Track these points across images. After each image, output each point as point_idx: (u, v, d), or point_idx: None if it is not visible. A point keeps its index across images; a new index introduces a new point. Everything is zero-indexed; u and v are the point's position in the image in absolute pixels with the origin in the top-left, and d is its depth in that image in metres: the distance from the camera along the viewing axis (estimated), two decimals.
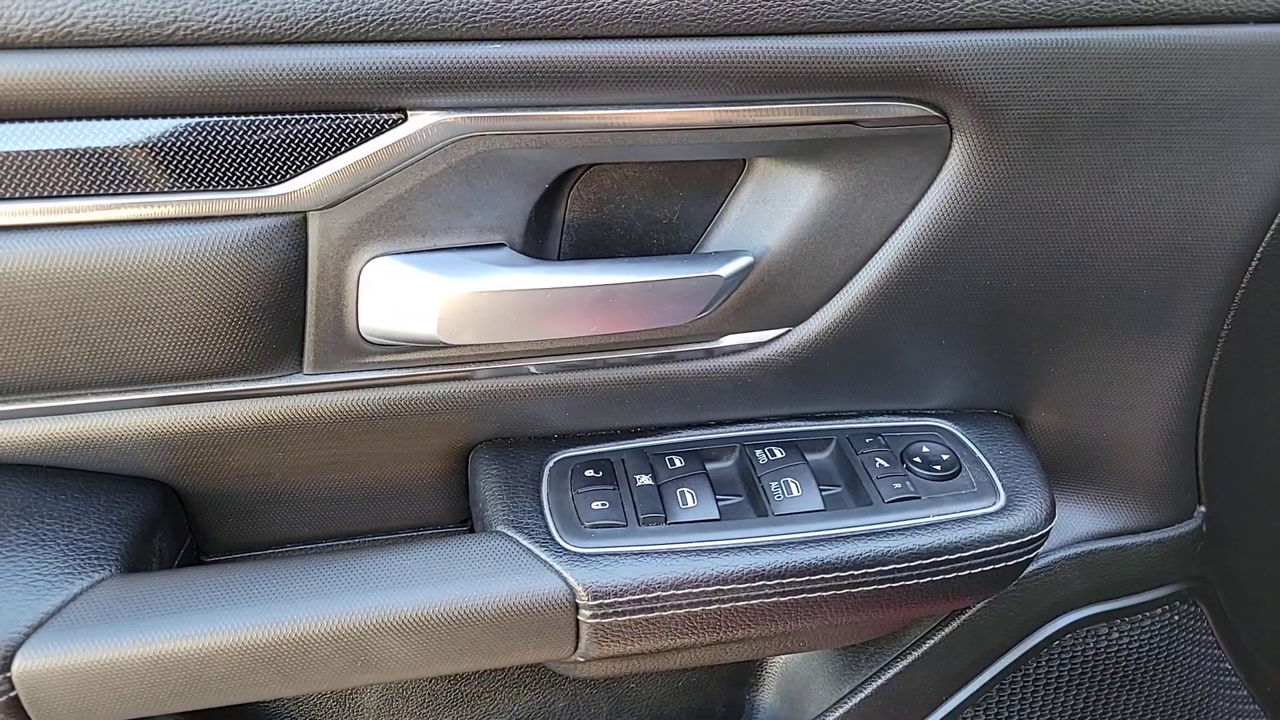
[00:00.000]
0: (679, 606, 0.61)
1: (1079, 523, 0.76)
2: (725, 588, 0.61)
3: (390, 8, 0.50)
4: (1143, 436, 0.74)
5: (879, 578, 0.63)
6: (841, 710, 0.78)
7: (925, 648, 0.76)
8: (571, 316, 0.60)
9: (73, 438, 0.60)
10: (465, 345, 0.62)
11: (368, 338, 0.61)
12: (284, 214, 0.56)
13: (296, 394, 0.63)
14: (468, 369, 0.64)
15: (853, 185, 0.61)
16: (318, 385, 0.63)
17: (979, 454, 0.70)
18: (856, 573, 0.62)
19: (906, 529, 0.64)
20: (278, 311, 0.59)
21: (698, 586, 0.61)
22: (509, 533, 0.63)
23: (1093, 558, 0.76)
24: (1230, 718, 0.86)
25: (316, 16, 0.50)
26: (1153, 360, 0.70)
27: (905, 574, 0.64)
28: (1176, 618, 0.81)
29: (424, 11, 0.50)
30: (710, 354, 0.67)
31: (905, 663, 0.76)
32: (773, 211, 0.63)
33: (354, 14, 0.50)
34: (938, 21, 0.54)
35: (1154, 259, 0.65)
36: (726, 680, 0.84)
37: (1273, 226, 0.65)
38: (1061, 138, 0.59)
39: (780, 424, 0.72)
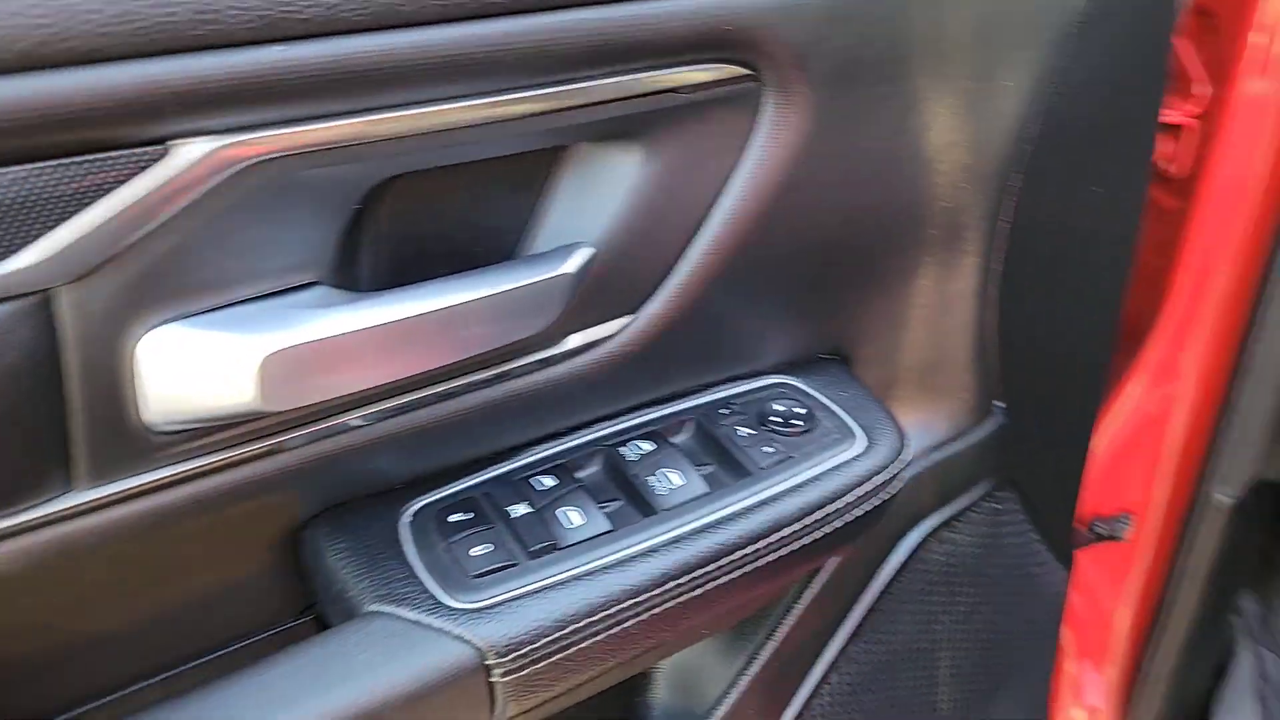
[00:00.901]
0: (595, 634, 0.56)
1: (913, 442, 0.80)
2: (639, 599, 0.57)
3: (135, 10, 0.39)
4: (950, 351, 0.79)
5: (776, 545, 0.62)
6: (742, 684, 0.77)
7: (807, 598, 0.77)
8: (415, 350, 0.53)
9: None
10: (287, 410, 0.52)
11: (156, 428, 0.49)
12: (19, 296, 0.43)
13: (72, 517, 0.49)
14: (287, 437, 0.54)
15: (675, 158, 0.58)
16: (97, 501, 0.50)
17: (826, 401, 0.71)
18: (757, 545, 0.61)
19: (789, 490, 0.64)
20: (27, 419, 0.46)
21: (611, 606, 0.56)
22: (385, 609, 0.54)
23: (929, 473, 0.81)
24: (1044, 579, 0.96)
25: (34, 31, 0.38)
26: (951, 279, 0.75)
27: (798, 535, 0.63)
28: (998, 507, 0.88)
29: (181, 12, 0.40)
30: (557, 359, 0.62)
31: (791, 619, 0.77)
32: (599, 197, 0.59)
33: (87, 25, 0.39)
34: None
35: (944, 186, 0.69)
36: (617, 692, 0.80)
37: (1031, 140, 0.71)
38: (861, 82, 0.61)
39: (634, 415, 0.68)
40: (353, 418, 0.56)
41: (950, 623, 0.89)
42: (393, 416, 0.57)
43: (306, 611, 0.65)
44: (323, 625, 0.62)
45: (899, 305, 0.75)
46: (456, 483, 0.63)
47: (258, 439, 0.53)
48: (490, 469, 0.64)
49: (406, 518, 0.60)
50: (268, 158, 0.45)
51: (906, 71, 0.63)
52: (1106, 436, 1.02)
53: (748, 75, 0.57)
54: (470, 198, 0.57)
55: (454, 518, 0.60)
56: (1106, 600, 1.10)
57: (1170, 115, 0.93)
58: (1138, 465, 1.03)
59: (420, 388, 0.57)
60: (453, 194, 0.56)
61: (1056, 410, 0.87)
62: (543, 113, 0.52)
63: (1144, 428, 1.02)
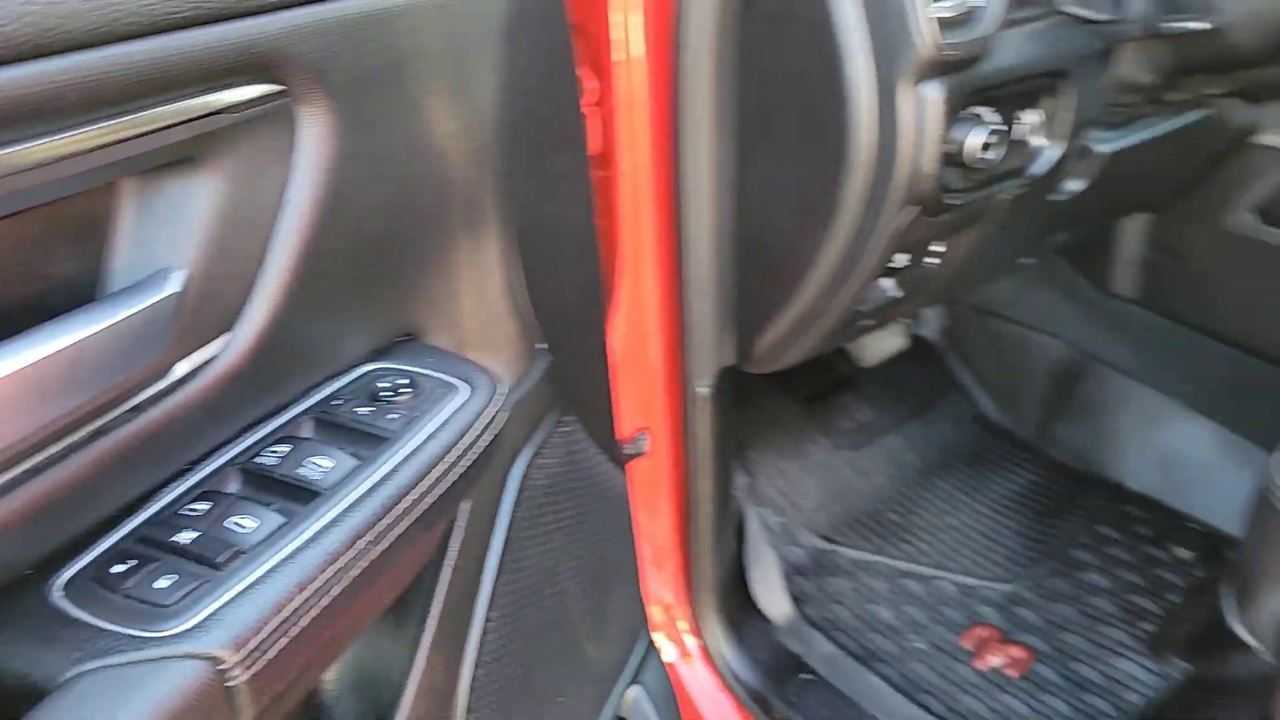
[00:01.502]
0: (310, 608, 0.59)
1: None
2: (338, 564, 0.61)
3: None
4: (495, 310, 0.94)
5: (433, 485, 0.70)
6: (423, 648, 0.83)
7: (453, 549, 0.85)
8: (25, 409, 0.51)
9: None
10: None
11: None
12: None
13: None
14: None
15: (234, 178, 0.63)
16: None
17: (420, 370, 0.80)
18: (420, 489, 0.69)
19: (426, 441, 0.72)
20: None
21: (316, 577, 0.60)
22: (95, 665, 0.51)
23: (513, 414, 0.94)
24: (610, 483, 1.17)
25: None
26: (481, 249, 0.89)
27: (445, 475, 0.72)
28: (568, 429, 1.06)
29: None
30: (170, 389, 0.62)
31: (446, 572, 0.85)
32: (170, 226, 0.61)
33: None
34: (265, 5, 0.60)
35: (457, 169, 0.83)
36: (300, 711, 0.81)
37: (508, 125, 0.88)
38: (373, 90, 0.71)
39: (254, 431, 0.71)
40: None
41: (563, 538, 1.04)
42: (8, 492, 0.54)
43: None
44: None
45: (448, 280, 0.87)
46: (100, 543, 0.60)
47: None
48: (132, 519, 0.62)
49: (58, 593, 0.57)
50: None
51: (406, 78, 0.75)
52: (612, 365, 1.26)
53: (280, 92, 0.65)
54: (39, 247, 0.56)
55: (116, 569, 0.58)
56: (650, 508, 1.35)
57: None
58: (637, 385, 1.29)
59: (36, 452, 0.55)
60: (20, 245, 0.54)
61: (578, 344, 1.07)
62: (102, 146, 0.54)
63: (633, 352, 1.28)
